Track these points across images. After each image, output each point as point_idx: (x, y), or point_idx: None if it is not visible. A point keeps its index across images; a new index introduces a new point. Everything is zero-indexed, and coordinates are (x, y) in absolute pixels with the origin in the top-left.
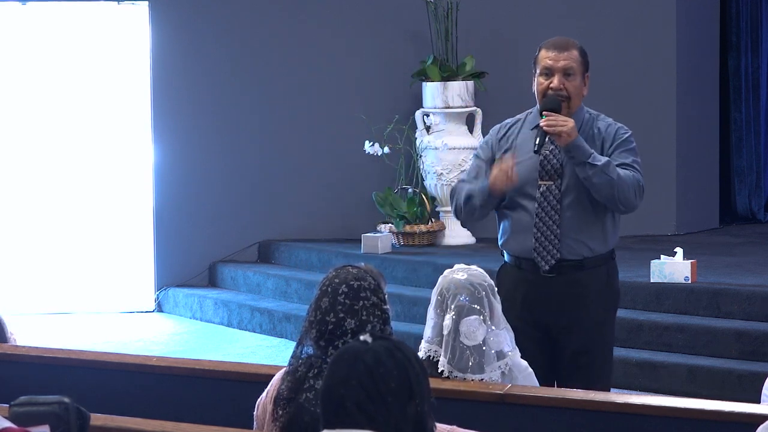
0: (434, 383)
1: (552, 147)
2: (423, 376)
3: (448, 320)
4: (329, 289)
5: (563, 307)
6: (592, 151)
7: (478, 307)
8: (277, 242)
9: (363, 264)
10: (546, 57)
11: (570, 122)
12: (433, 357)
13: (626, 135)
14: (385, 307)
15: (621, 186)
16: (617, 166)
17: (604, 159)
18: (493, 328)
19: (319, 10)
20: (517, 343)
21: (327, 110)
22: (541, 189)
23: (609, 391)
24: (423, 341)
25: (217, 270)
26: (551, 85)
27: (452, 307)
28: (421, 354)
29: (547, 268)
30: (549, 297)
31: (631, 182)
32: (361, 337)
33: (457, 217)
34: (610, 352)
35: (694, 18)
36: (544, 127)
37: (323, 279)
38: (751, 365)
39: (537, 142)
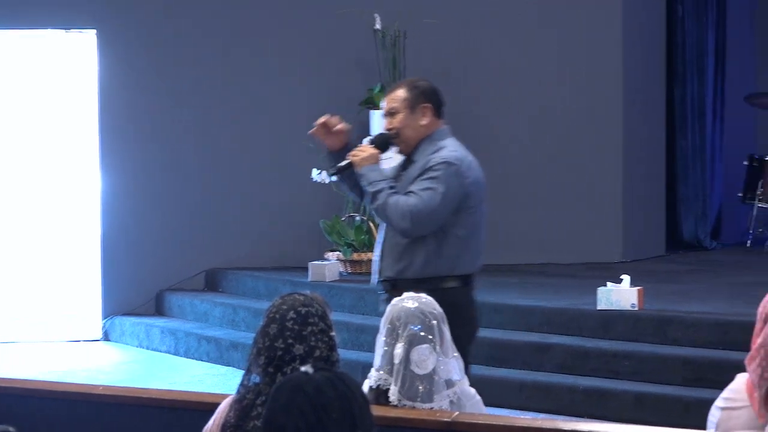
0: (383, 411)
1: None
2: (366, 408)
3: (399, 349)
4: (277, 316)
5: None
6: (376, 180)
7: (430, 336)
8: (224, 270)
9: (309, 292)
10: None
11: (363, 154)
12: (383, 386)
13: (436, 164)
14: (331, 333)
15: (387, 211)
16: (409, 192)
17: (379, 187)
18: (443, 356)
19: (266, 38)
20: None
21: (274, 138)
22: None
23: None
24: (373, 370)
25: (164, 298)
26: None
27: (404, 335)
28: (371, 383)
29: (372, 282)
30: None
31: (398, 208)
32: (302, 368)
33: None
34: None
35: (640, 48)
36: (348, 156)
37: (270, 306)
38: (697, 392)
39: (338, 167)
